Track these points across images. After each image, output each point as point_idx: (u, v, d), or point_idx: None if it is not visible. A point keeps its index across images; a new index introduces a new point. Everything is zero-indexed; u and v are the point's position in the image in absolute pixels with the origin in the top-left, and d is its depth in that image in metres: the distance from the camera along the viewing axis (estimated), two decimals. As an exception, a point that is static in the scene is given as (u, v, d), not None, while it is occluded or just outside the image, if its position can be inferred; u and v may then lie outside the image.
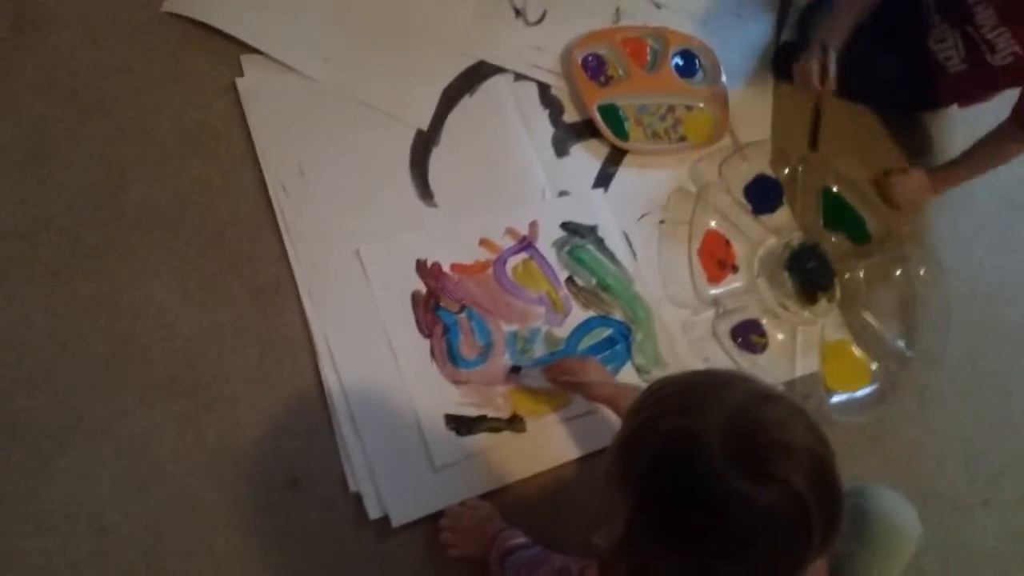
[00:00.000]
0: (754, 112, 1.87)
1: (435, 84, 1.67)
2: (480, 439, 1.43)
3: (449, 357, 1.47)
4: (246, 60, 1.57)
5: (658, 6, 1.89)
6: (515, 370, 1.47)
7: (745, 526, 0.78)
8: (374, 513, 1.34)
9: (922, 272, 1.81)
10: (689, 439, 0.80)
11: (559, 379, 1.41)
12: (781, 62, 1.88)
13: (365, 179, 1.56)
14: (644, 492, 0.83)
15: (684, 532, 0.81)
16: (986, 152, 1.77)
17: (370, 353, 1.44)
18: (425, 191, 1.58)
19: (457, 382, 1.45)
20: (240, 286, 1.44)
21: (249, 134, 1.53)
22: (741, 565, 0.80)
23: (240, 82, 1.55)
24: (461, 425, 1.43)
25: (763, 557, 0.80)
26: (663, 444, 0.82)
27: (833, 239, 1.77)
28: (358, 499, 1.35)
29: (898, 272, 1.82)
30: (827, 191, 1.82)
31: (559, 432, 1.48)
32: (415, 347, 1.46)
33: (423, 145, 1.61)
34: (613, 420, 1.46)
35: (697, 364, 1.60)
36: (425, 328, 1.47)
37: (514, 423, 1.46)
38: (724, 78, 1.85)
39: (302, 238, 1.48)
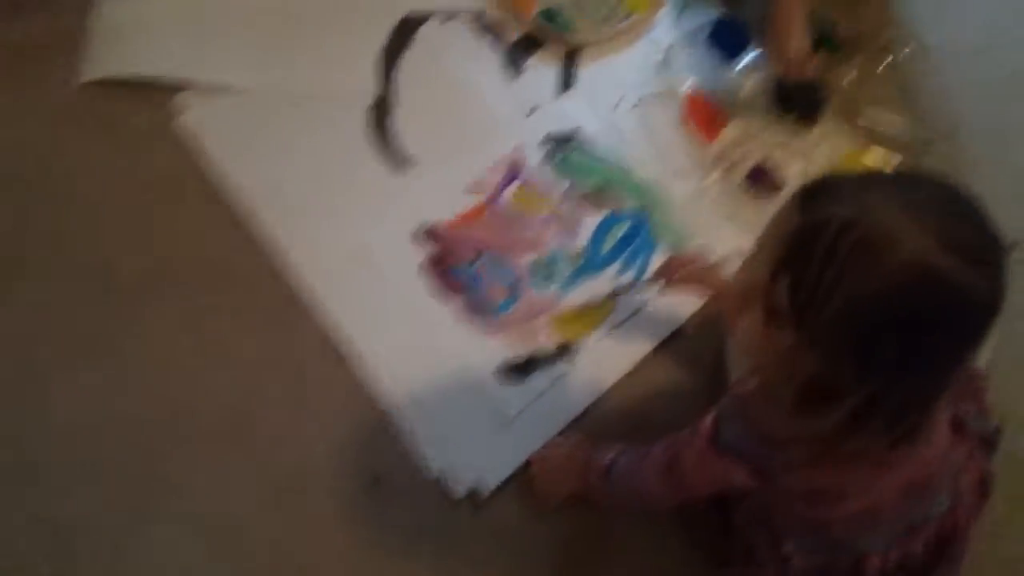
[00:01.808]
0: (688, -38, 1.69)
1: (369, 53, 1.52)
2: (538, 379, 1.31)
3: (479, 310, 1.34)
4: (179, 98, 1.44)
5: None
6: (615, 294, 1.37)
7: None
8: (462, 489, 1.23)
9: (907, 53, 1.65)
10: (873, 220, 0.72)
11: (678, 274, 1.27)
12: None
13: (336, 170, 1.42)
14: (843, 299, 0.73)
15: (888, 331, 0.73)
16: None
17: (403, 336, 1.32)
18: (396, 159, 1.45)
19: (495, 331, 1.33)
20: (250, 320, 1.32)
21: (207, 170, 1.40)
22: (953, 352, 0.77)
23: (181, 121, 1.42)
24: (514, 373, 1.31)
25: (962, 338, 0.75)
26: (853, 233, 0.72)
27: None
28: (443, 480, 1.24)
29: (885, 63, 1.65)
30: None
31: (610, 344, 1.35)
32: (443, 314, 1.34)
33: (379, 116, 1.47)
34: (659, 313, 1.37)
35: (723, 223, 1.46)
36: (447, 291, 1.35)
37: (564, 352, 1.33)
38: (647, -60, 1.67)
39: (295, 250, 1.35)
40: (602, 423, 1.30)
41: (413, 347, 1.31)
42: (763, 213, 1.45)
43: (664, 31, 1.63)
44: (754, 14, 1.61)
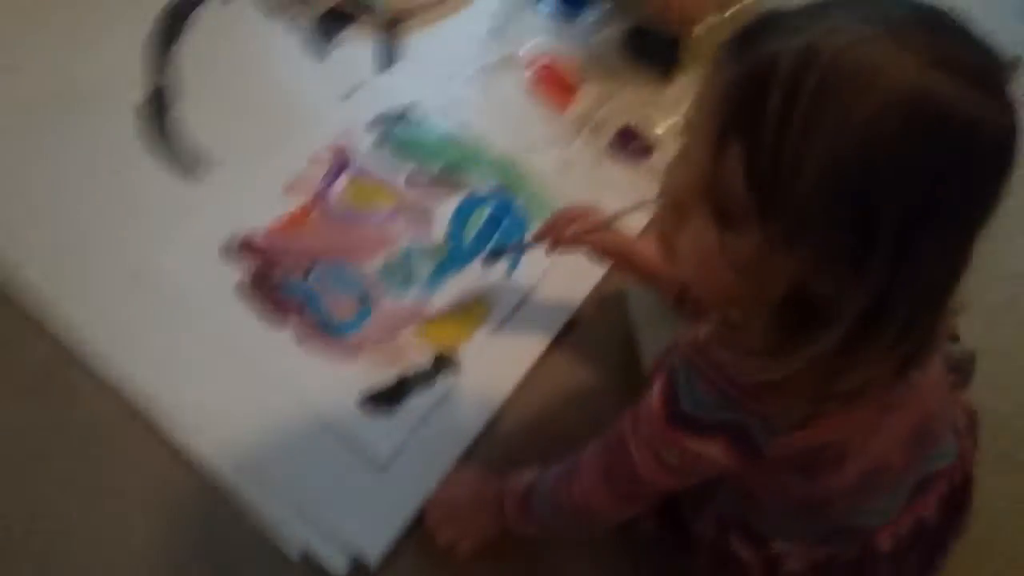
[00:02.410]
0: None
1: (132, 47, 1.20)
2: (416, 402, 0.99)
3: (324, 330, 1.03)
4: None
5: None
6: (493, 256, 1.07)
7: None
8: (342, 565, 0.89)
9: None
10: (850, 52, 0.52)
11: (565, 236, 0.98)
12: None
13: (103, 182, 1.09)
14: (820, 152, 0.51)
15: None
16: None
17: (229, 382, 0.98)
18: (185, 165, 1.12)
19: (349, 355, 1.02)
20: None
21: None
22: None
23: None
24: (384, 399, 0.99)
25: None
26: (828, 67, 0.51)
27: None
28: (312, 559, 0.89)
29: (734, 9, 1.47)
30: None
31: (499, 345, 1.06)
32: (276, 342, 1.01)
33: (153, 116, 1.15)
34: (548, 301, 1.10)
35: (600, 194, 1.20)
36: (277, 314, 1.03)
37: (443, 364, 1.03)
38: None
39: (56, 288, 1.00)
40: (504, 445, 0.99)
41: (245, 395, 0.97)
42: (636, 177, 1.27)
43: (493, -4, 1.39)
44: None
